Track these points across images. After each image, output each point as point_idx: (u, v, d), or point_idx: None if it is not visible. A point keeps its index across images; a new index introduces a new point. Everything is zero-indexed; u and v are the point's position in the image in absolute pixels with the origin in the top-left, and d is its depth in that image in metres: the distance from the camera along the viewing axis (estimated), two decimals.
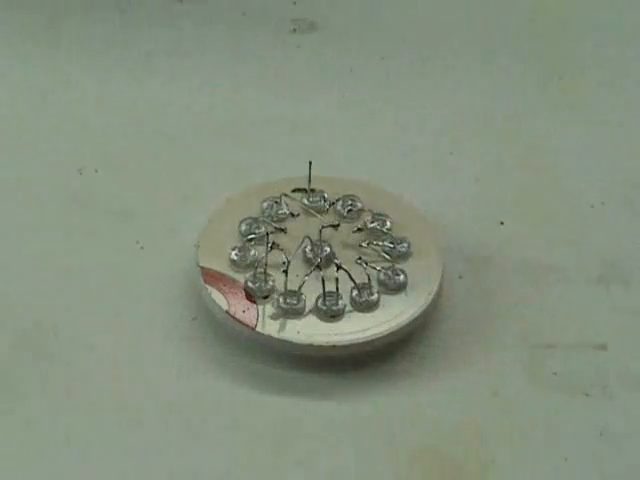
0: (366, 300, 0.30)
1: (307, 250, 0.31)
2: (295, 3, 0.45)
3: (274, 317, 0.29)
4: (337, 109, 0.38)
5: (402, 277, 0.30)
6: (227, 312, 0.29)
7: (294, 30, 0.44)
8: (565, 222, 0.35)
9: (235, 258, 0.31)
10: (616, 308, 0.32)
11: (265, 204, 0.33)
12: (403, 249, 0.31)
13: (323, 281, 0.29)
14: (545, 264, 0.33)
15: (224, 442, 0.28)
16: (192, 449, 0.27)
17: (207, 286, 0.30)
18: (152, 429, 0.28)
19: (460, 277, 0.33)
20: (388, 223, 0.32)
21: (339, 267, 0.30)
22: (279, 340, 0.29)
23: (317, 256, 0.31)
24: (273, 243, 0.30)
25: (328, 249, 0.31)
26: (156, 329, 0.31)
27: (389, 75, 0.40)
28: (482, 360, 0.30)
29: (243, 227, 0.32)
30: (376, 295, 0.30)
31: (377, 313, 0.30)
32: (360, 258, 0.31)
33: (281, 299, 0.30)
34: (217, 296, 0.30)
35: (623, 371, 0.30)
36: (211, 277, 0.30)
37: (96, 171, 0.37)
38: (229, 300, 0.30)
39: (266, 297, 0.30)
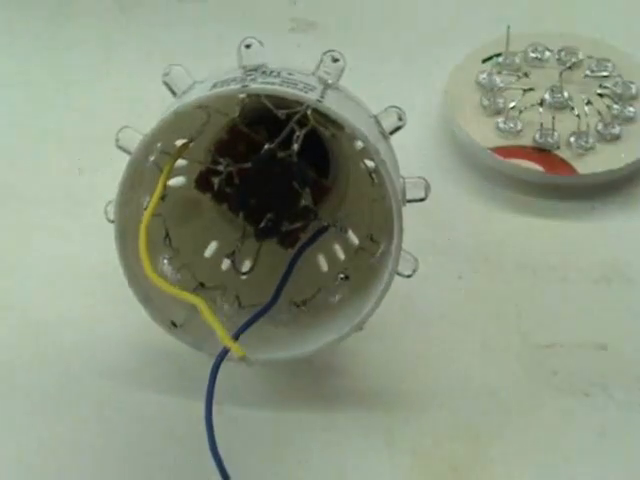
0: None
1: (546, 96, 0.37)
2: (295, 3, 0.45)
3: None
4: None
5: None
6: None
7: (293, 29, 0.44)
8: (565, 222, 0.35)
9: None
10: (616, 308, 0.32)
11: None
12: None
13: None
14: (545, 264, 0.33)
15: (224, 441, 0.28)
16: (192, 448, 0.27)
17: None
18: (151, 429, 0.28)
19: (460, 277, 0.33)
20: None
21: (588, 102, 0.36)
22: None
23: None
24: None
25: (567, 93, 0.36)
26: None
27: (388, 75, 0.40)
28: (482, 360, 0.30)
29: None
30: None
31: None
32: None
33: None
34: None
35: (623, 371, 0.30)
36: None
37: (97, 171, 0.37)
38: None
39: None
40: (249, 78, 0.25)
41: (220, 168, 0.28)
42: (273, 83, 0.25)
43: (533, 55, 0.39)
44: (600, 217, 0.35)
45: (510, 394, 0.29)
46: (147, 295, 0.27)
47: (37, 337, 0.31)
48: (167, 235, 0.29)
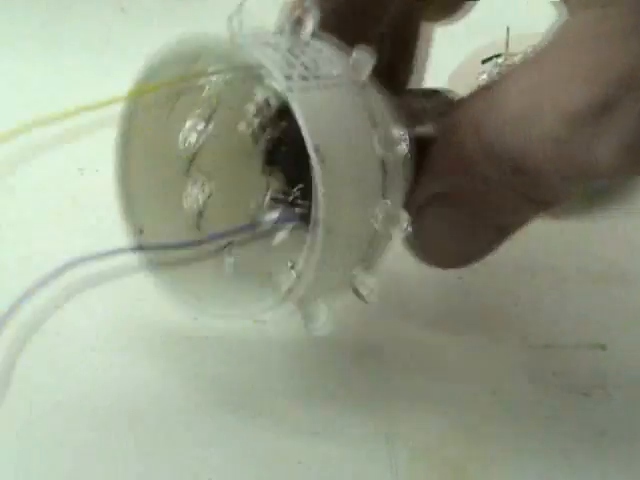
0: None
1: None
2: None
3: None
4: None
5: None
6: None
7: None
8: (565, 222, 0.35)
9: None
10: (616, 308, 0.32)
11: None
12: None
13: None
14: (545, 264, 0.33)
15: (224, 442, 0.28)
16: (191, 447, 0.27)
17: None
18: (150, 430, 0.28)
19: (460, 277, 0.33)
20: None
21: None
22: None
23: None
24: None
25: None
26: (159, 327, 0.31)
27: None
28: (482, 360, 0.30)
29: None
30: None
31: None
32: None
33: None
34: None
35: (623, 371, 0.30)
36: None
37: (97, 171, 0.37)
38: None
39: None
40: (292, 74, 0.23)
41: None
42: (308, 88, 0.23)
43: None
44: (600, 217, 0.35)
45: (510, 394, 0.29)
46: (140, 228, 0.27)
47: (37, 338, 0.31)
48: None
